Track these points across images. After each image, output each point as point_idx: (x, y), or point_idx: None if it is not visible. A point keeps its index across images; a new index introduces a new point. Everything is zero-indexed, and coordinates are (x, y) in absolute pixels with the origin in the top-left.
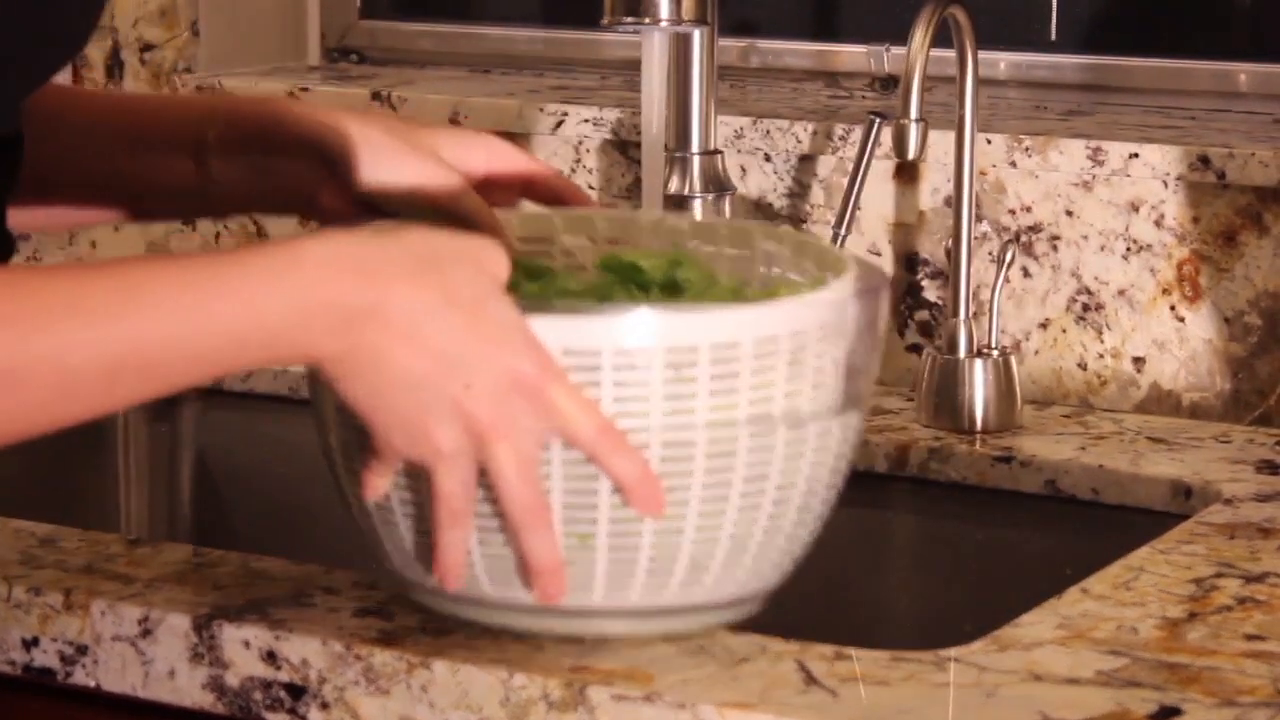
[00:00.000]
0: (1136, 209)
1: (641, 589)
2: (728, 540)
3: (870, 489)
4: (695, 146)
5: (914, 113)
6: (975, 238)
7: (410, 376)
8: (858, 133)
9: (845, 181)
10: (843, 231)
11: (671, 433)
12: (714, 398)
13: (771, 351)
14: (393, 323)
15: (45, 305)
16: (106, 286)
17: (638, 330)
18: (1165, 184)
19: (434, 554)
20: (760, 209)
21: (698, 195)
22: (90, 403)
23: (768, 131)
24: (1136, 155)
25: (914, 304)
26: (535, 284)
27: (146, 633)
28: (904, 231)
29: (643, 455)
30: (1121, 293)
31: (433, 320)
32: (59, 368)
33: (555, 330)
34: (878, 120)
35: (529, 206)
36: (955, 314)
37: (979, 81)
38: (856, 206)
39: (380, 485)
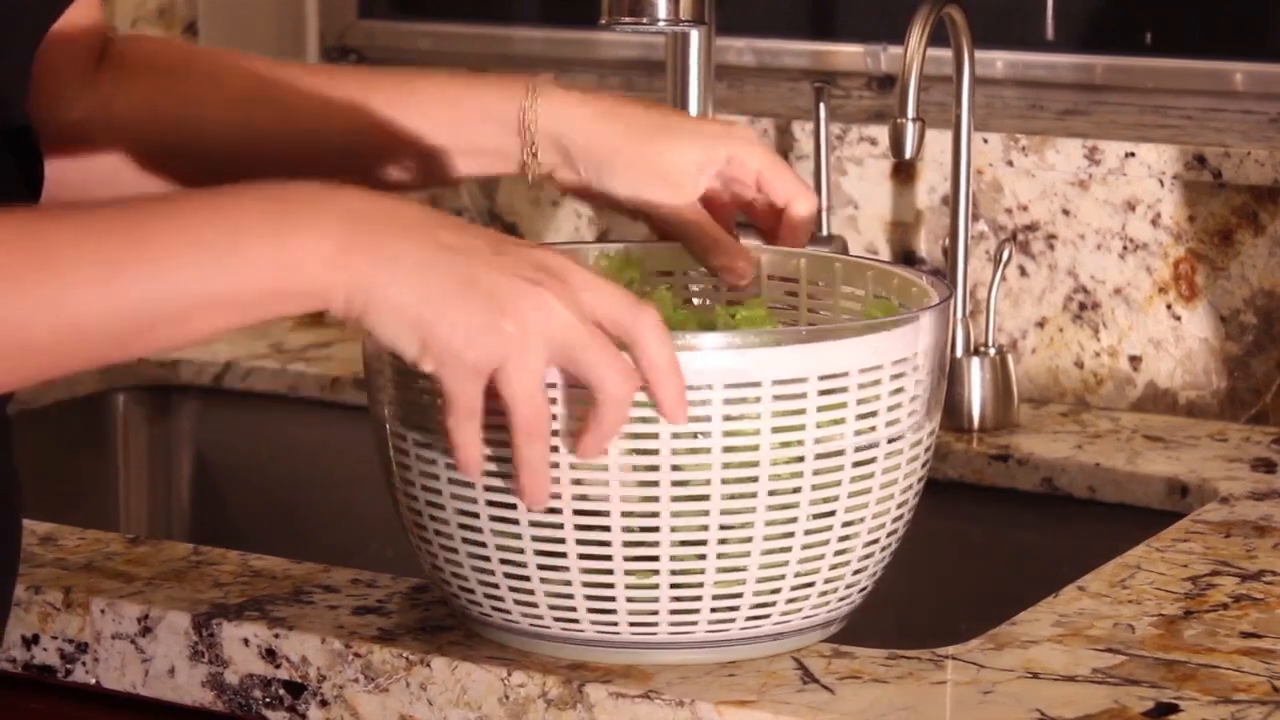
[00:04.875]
0: (1133, 208)
1: (744, 619)
2: (829, 568)
3: None
4: None
5: (911, 112)
6: (972, 237)
7: (454, 268)
8: (855, 131)
9: (842, 180)
10: (824, 204)
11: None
12: (821, 429)
13: (876, 380)
14: (413, 227)
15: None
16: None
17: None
18: (1161, 183)
19: (515, 473)
20: None
21: None
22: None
23: (765, 131)
24: (1133, 154)
25: None
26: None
27: (146, 630)
28: (901, 230)
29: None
30: (1118, 291)
31: (454, 226)
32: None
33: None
34: (825, 87)
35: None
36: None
37: (975, 81)
38: (829, 181)
39: (473, 452)
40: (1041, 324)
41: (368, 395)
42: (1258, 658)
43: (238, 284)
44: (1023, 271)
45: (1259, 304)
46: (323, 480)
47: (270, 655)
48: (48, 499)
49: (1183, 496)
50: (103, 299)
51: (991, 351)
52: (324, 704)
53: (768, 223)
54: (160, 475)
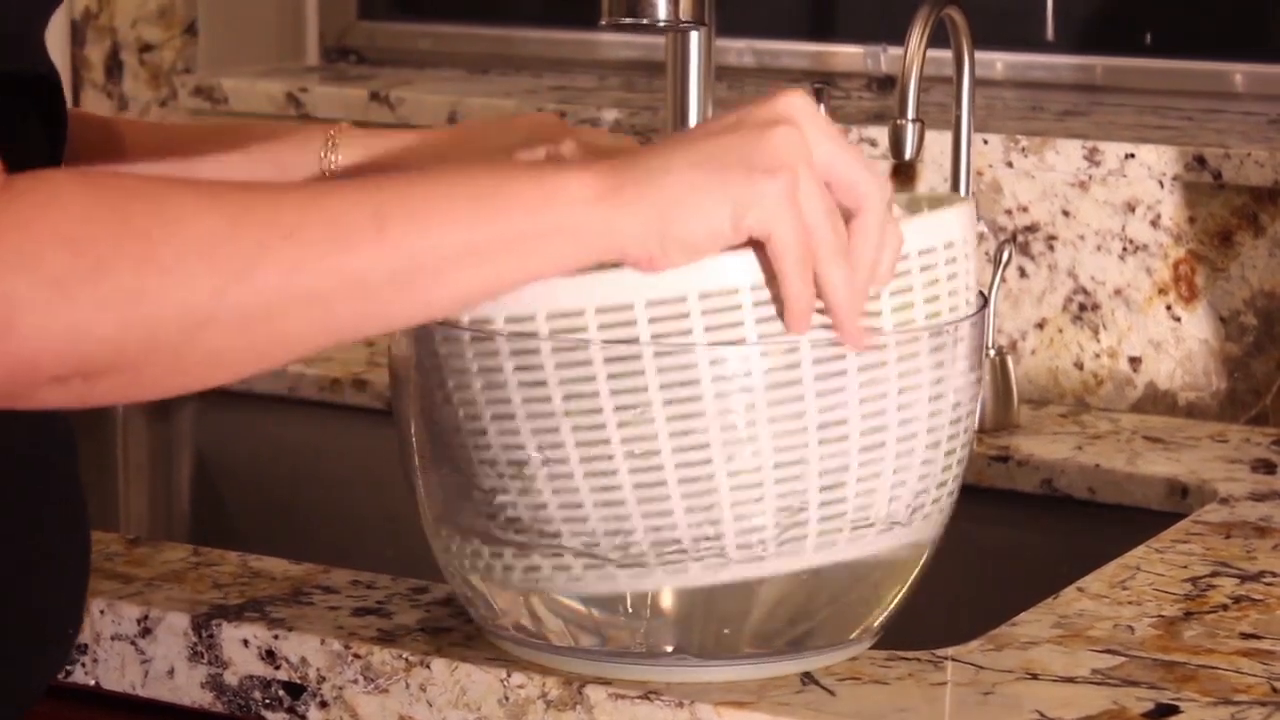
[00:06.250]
0: (1133, 209)
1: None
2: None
3: None
4: None
5: (911, 113)
6: None
7: (714, 134)
8: (855, 133)
9: None
10: None
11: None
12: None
13: (932, 264)
14: (656, 144)
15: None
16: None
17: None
18: (1161, 184)
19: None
20: None
21: None
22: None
23: None
24: (1133, 155)
25: None
26: None
27: (146, 631)
28: None
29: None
30: (1118, 292)
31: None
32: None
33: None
34: (825, 88)
35: None
36: None
37: (975, 82)
38: None
39: (810, 301)
40: (1041, 325)
41: (392, 394)
42: (1257, 659)
43: (505, 223)
44: (1022, 273)
45: (1259, 305)
46: (322, 481)
47: (270, 656)
48: None
49: (1182, 497)
50: (376, 247)
51: (991, 353)
52: (323, 705)
53: None
54: (160, 476)
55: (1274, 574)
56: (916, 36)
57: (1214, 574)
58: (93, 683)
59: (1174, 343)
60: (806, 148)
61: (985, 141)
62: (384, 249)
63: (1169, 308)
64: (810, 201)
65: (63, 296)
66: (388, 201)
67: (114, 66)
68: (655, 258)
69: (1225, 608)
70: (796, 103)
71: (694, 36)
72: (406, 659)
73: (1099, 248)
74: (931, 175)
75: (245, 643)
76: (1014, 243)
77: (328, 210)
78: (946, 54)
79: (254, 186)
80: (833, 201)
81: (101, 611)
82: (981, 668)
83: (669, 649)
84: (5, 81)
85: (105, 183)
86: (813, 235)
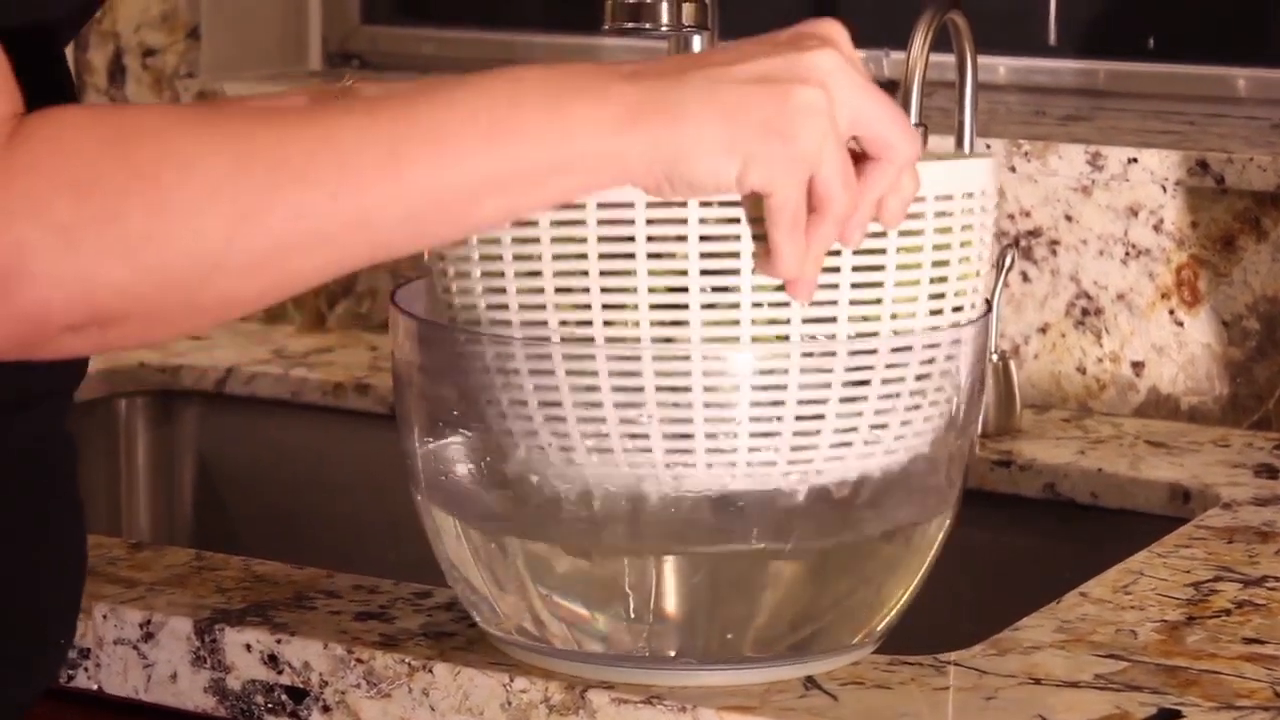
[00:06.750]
0: (1135, 214)
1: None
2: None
3: None
4: None
5: (913, 117)
6: None
7: (739, 78)
8: None
9: None
10: None
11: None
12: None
13: (949, 212)
14: (684, 66)
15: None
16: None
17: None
18: (1164, 189)
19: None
20: None
21: None
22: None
23: None
24: (1135, 160)
25: None
26: None
27: (149, 636)
28: None
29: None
30: (1120, 297)
31: (703, 52)
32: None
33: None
34: None
35: None
36: None
37: (978, 86)
38: None
39: (808, 264)
40: (1044, 330)
41: (396, 397)
42: (1260, 664)
43: (520, 158)
44: (1025, 277)
45: (1261, 310)
46: (325, 485)
47: (272, 661)
48: None
49: (1185, 502)
50: (391, 186)
51: (994, 357)
52: (326, 710)
53: None
54: (162, 481)
55: (1277, 579)
56: (919, 41)
57: (1216, 579)
58: (95, 687)
59: (1176, 347)
60: (830, 113)
61: (988, 146)
62: (399, 188)
63: (1171, 312)
64: (828, 168)
65: (69, 243)
66: (401, 136)
67: (117, 71)
68: (661, 189)
69: (1228, 612)
70: (826, 61)
71: (696, 41)
72: (409, 663)
73: (1101, 252)
74: None
75: (248, 647)
76: (1017, 247)
77: (340, 150)
78: (949, 58)
79: (263, 120)
80: (851, 172)
81: (104, 616)
82: (984, 672)
83: (672, 653)
84: (22, 88)
85: (112, 120)
86: (822, 202)
